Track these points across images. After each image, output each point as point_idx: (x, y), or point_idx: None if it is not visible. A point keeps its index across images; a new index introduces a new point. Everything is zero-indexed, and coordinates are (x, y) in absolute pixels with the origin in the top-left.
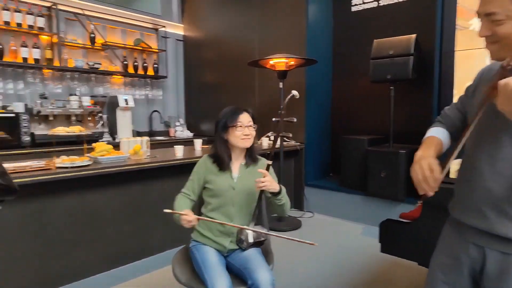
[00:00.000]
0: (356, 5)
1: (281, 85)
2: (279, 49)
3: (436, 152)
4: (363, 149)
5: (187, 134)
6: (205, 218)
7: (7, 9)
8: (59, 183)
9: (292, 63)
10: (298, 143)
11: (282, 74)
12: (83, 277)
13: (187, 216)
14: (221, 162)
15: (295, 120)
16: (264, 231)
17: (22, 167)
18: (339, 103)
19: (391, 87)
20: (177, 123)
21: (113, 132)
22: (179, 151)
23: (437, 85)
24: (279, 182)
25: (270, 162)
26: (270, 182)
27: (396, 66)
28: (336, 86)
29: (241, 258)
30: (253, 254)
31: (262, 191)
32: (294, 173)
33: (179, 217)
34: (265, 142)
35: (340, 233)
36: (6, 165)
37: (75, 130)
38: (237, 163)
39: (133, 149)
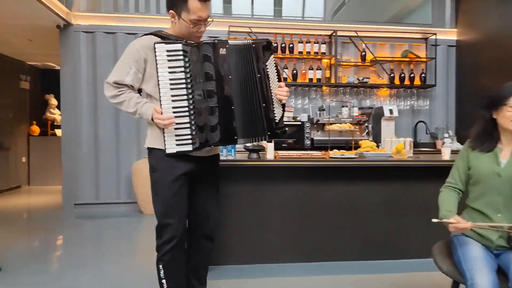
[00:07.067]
0: None
1: None
2: None
3: None
4: None
5: (457, 146)
6: (481, 224)
7: (301, 42)
8: (330, 171)
9: None
10: None
11: None
12: (337, 260)
13: (458, 224)
14: (484, 142)
15: None
16: None
17: (306, 154)
18: None
19: None
20: (446, 135)
21: (377, 141)
22: (446, 153)
23: None
24: None
25: None
26: None
27: None
28: None
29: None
30: None
31: None
32: None
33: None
34: None
35: None
36: (294, 152)
37: (346, 126)
38: (508, 147)
39: (395, 148)
